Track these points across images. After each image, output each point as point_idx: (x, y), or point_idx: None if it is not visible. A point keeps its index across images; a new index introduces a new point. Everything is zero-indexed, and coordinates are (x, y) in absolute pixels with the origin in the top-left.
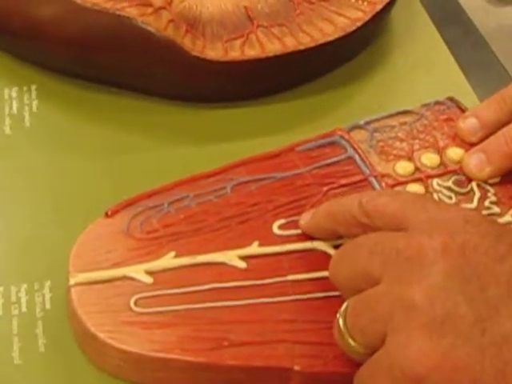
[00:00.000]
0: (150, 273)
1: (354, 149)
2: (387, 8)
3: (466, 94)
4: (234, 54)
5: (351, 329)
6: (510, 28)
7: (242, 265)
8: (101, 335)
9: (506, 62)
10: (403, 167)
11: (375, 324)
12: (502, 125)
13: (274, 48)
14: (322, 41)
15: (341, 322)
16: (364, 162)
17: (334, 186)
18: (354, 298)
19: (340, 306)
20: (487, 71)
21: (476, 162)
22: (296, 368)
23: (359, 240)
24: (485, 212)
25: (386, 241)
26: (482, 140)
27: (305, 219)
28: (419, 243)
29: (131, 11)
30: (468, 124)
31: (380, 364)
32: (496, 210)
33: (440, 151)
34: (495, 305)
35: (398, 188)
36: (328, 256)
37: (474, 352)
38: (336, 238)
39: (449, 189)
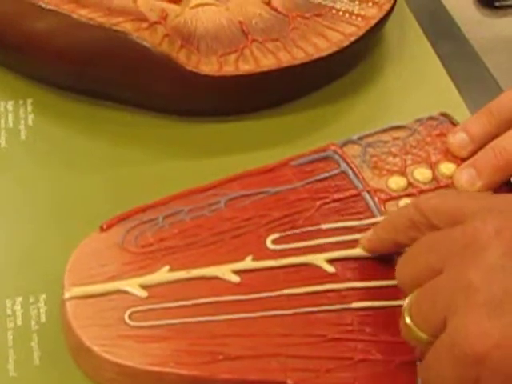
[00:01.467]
0: (144, 287)
1: (347, 164)
2: (381, 23)
3: (459, 109)
4: (229, 69)
5: (416, 318)
6: (504, 40)
7: (236, 279)
8: (95, 349)
9: (500, 74)
10: (396, 182)
11: (437, 309)
12: (492, 138)
13: (268, 63)
14: (315, 56)
15: (406, 314)
16: (357, 176)
17: (327, 200)
18: (417, 290)
19: (333, 319)
20: (480, 86)
21: (467, 177)
22: (289, 382)
23: (419, 241)
24: None
25: (444, 235)
26: (472, 154)
27: (365, 237)
28: (474, 228)
29: (126, 26)
30: (458, 138)
31: (442, 347)
32: None
33: (432, 166)
34: None
35: (390, 203)
36: (321, 270)
37: None
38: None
39: None
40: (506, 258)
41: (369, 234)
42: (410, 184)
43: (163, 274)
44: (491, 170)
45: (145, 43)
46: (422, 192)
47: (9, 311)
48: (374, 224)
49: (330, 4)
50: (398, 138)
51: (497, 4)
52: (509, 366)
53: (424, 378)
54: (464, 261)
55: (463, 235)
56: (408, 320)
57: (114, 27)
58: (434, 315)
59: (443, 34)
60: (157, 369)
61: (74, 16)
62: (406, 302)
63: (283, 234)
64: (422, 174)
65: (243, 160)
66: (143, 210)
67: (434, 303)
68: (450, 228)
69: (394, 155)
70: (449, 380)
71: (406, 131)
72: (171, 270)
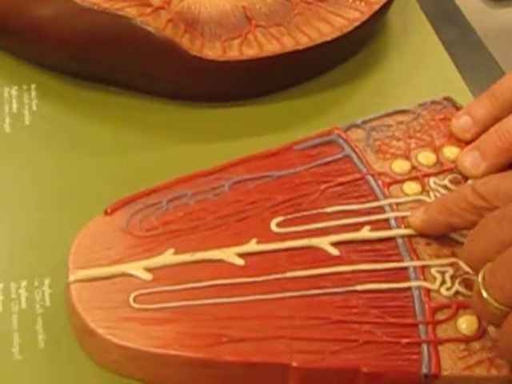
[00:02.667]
0: (149, 269)
1: (352, 148)
2: (384, 8)
3: (462, 94)
4: (233, 54)
5: (491, 290)
6: (507, 29)
7: (240, 262)
8: (100, 331)
9: (503, 62)
10: (400, 166)
11: None
12: (495, 120)
13: (272, 48)
14: (319, 41)
15: (481, 288)
16: (361, 160)
17: (332, 184)
18: (490, 263)
19: (338, 302)
20: (483, 71)
21: (471, 159)
22: (294, 364)
23: (486, 218)
24: None
25: (509, 207)
26: (476, 137)
27: (415, 216)
28: None
29: (130, 11)
30: (461, 122)
31: None
32: None
33: (436, 150)
34: None
35: (394, 186)
36: (325, 253)
37: None
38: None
39: (445, 187)
40: None
41: (419, 214)
42: (413, 167)
43: (168, 257)
44: (495, 152)
45: (148, 28)
46: (425, 175)
47: (13, 295)
48: (377, 207)
49: None
50: (401, 122)
51: None
52: None
53: (503, 348)
54: None
55: None
56: (485, 294)
57: (118, 12)
58: (511, 284)
59: (447, 19)
60: (161, 351)
61: (78, 1)
62: (479, 277)
63: (287, 217)
64: (425, 157)
65: (248, 144)
66: (147, 193)
67: (510, 273)
68: None
69: (398, 139)
70: None
71: (409, 115)
72: (176, 252)
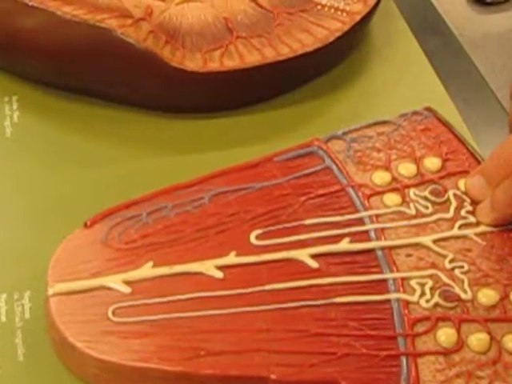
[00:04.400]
0: (127, 282)
1: (332, 159)
2: (366, 19)
3: (445, 104)
4: (214, 65)
5: None
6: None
7: (219, 275)
8: (79, 345)
9: (490, 69)
10: (380, 177)
11: None
12: None
13: (253, 59)
14: (300, 52)
15: None
16: (341, 172)
17: (312, 196)
18: None
19: (317, 314)
20: (466, 81)
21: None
22: (272, 377)
23: None
24: (461, 222)
25: None
26: None
27: (485, 215)
28: None
29: (111, 23)
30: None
31: None
32: (472, 219)
33: (417, 161)
34: None
35: (374, 198)
36: (305, 265)
37: None
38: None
39: (425, 198)
40: None
41: (488, 211)
42: (394, 179)
43: (147, 270)
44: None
45: (129, 39)
46: (406, 187)
47: None
48: (357, 219)
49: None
50: (382, 133)
51: (488, 0)
52: None
53: None
54: None
55: None
56: None
57: (99, 24)
58: None
59: (429, 29)
60: (140, 364)
61: (59, 13)
62: None
63: (267, 229)
64: (406, 168)
65: (228, 156)
66: (127, 206)
67: None
68: None
69: (379, 150)
70: None
71: (390, 126)
72: (155, 265)
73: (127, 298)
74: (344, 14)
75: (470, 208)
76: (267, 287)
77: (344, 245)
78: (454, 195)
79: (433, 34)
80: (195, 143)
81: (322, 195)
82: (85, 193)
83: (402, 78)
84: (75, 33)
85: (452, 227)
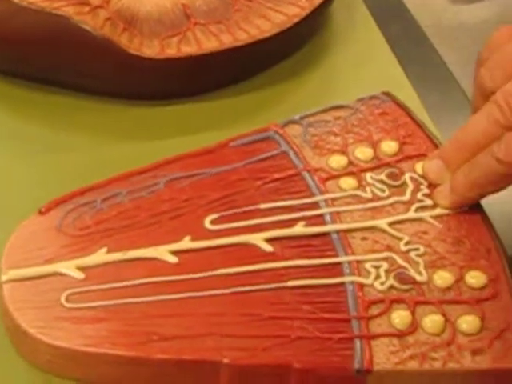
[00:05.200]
0: (81, 268)
1: (288, 143)
2: (326, 4)
3: (405, 89)
4: (171, 52)
5: None
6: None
7: (173, 259)
8: (31, 331)
9: (463, 59)
10: (336, 161)
11: None
12: None
13: (210, 45)
14: (258, 37)
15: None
16: (298, 156)
17: (267, 180)
18: None
19: (270, 298)
20: (426, 66)
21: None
22: (225, 361)
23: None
24: (417, 205)
25: None
26: None
27: (444, 198)
28: None
29: (68, 10)
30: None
31: None
32: (429, 202)
33: (374, 145)
34: None
35: (330, 182)
36: (259, 249)
37: None
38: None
39: (381, 182)
40: None
41: (446, 194)
42: (350, 162)
43: (100, 256)
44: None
45: (86, 27)
46: (362, 170)
47: None
48: (312, 203)
49: None
50: (339, 118)
51: None
52: None
53: None
54: None
55: None
56: None
57: (55, 11)
58: None
59: (391, 15)
60: (92, 350)
61: (16, 1)
62: None
63: (222, 214)
64: (362, 152)
65: (186, 143)
66: (81, 192)
67: None
68: None
69: (336, 134)
70: None
71: (348, 111)
72: (109, 251)
73: (81, 283)
74: None
75: (426, 191)
76: (220, 271)
77: (299, 228)
78: (411, 178)
79: (394, 19)
80: (153, 130)
81: (277, 179)
82: (41, 180)
83: (362, 64)
84: (32, 20)
85: (408, 210)
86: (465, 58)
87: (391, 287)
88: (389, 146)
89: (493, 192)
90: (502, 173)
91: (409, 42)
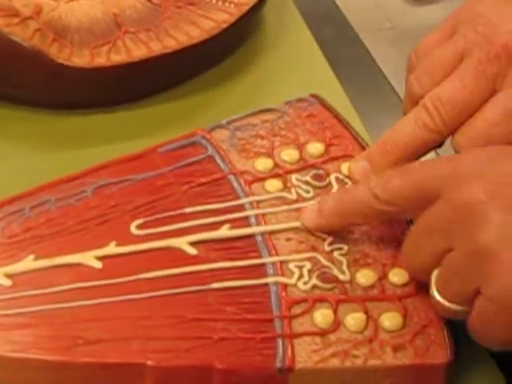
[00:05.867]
0: (9, 276)
1: (215, 148)
2: (255, 9)
3: (334, 91)
4: (100, 61)
5: (449, 296)
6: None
7: (98, 265)
8: None
9: None
10: (263, 163)
11: (467, 283)
12: None
13: (139, 53)
14: (187, 44)
15: (436, 295)
16: (224, 160)
17: (193, 184)
18: (438, 271)
19: (193, 300)
20: (358, 68)
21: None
22: (149, 363)
23: (413, 233)
24: None
25: (435, 216)
26: None
27: (308, 218)
28: (463, 201)
29: None
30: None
31: (488, 312)
32: None
33: (300, 147)
34: None
35: (256, 184)
36: (183, 253)
37: None
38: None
39: (306, 183)
40: (507, 214)
41: (313, 216)
42: (276, 165)
43: (28, 263)
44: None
45: (15, 38)
46: (288, 172)
47: None
48: (237, 206)
49: None
50: (266, 121)
51: None
52: None
53: (477, 337)
54: (470, 233)
55: (455, 211)
56: (441, 299)
57: None
58: (466, 289)
59: (323, 18)
60: (18, 355)
61: None
62: (432, 285)
63: (148, 219)
64: (289, 154)
65: (115, 150)
66: (10, 201)
67: (462, 279)
68: (432, 207)
69: (262, 137)
70: (506, 335)
71: (275, 114)
72: (36, 258)
73: (8, 290)
74: (232, 5)
75: None
76: (145, 275)
77: (223, 231)
78: (336, 179)
79: (326, 22)
80: (84, 139)
81: (203, 183)
82: None
83: (293, 67)
84: None
85: None
86: None
87: (314, 287)
88: (315, 148)
89: (359, 224)
90: (375, 208)
91: (341, 44)
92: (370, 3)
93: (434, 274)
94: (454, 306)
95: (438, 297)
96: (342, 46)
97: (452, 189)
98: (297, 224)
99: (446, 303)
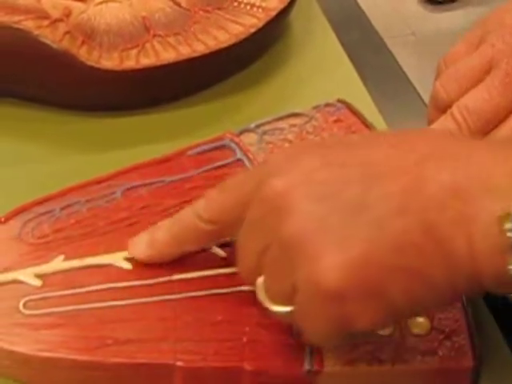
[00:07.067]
0: (39, 276)
1: (243, 151)
2: (283, 14)
3: (361, 97)
4: (129, 63)
5: (274, 299)
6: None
7: (128, 266)
8: None
9: None
10: None
11: (283, 282)
12: None
13: (168, 56)
14: (215, 48)
15: (266, 302)
16: (252, 163)
17: None
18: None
19: (223, 303)
20: (383, 73)
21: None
22: (178, 364)
23: (239, 240)
24: None
25: (247, 224)
26: None
27: (140, 252)
28: (262, 203)
29: (27, 24)
30: None
31: (304, 303)
32: None
33: None
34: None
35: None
36: (214, 255)
37: None
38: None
39: None
40: (309, 202)
41: (143, 249)
42: None
43: (58, 263)
44: None
45: (45, 40)
46: None
47: None
48: None
49: None
50: (294, 125)
51: None
52: (367, 288)
53: (307, 337)
54: (276, 225)
55: (262, 207)
56: (267, 303)
57: (16, 25)
58: (284, 286)
59: (349, 23)
60: (48, 354)
61: None
62: (258, 289)
63: None
64: None
65: (146, 152)
66: (40, 202)
67: (278, 278)
68: (248, 210)
69: (290, 142)
70: (324, 327)
71: (303, 118)
72: (66, 258)
73: (38, 290)
74: (260, 10)
75: None
76: (174, 277)
77: None
78: None
79: (352, 27)
80: (112, 140)
81: None
82: (1, 190)
83: (319, 71)
84: None
85: None
86: None
87: None
88: None
89: (193, 249)
90: (202, 229)
91: (367, 49)
92: (390, 9)
93: (260, 277)
94: (279, 308)
95: (263, 301)
96: (367, 51)
97: (258, 188)
98: None
99: (272, 306)
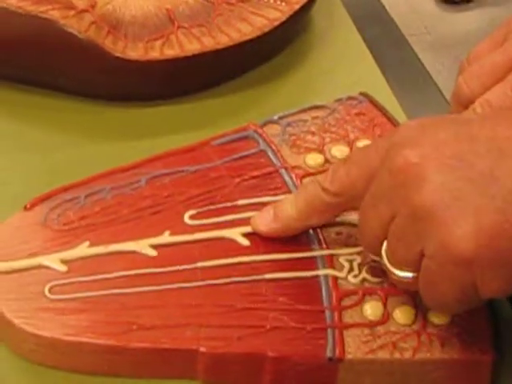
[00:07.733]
0: (64, 261)
1: (267, 142)
2: (306, 8)
3: (382, 90)
4: (154, 54)
5: (397, 264)
6: (464, 34)
7: (153, 253)
8: (16, 321)
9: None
10: (313, 159)
11: (410, 247)
12: None
13: (192, 48)
14: (238, 40)
15: (389, 267)
16: (276, 154)
17: (246, 177)
18: (385, 242)
19: (245, 290)
20: (404, 68)
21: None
22: (201, 349)
23: (361, 211)
24: None
25: (376, 188)
26: None
27: (263, 224)
28: (398, 168)
29: (54, 14)
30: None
31: (431, 270)
32: None
33: (350, 143)
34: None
35: (307, 179)
36: (236, 243)
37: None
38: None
39: None
40: (441, 174)
41: (269, 222)
42: (327, 160)
43: (83, 249)
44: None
45: (71, 30)
46: None
47: None
48: None
49: None
50: (317, 117)
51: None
52: (498, 257)
53: (427, 302)
54: (408, 195)
55: (392, 177)
56: (392, 268)
57: (42, 15)
58: (411, 253)
59: (371, 19)
60: (73, 339)
61: (3, 5)
62: (383, 256)
63: (201, 209)
64: (339, 150)
65: (169, 142)
66: (66, 189)
67: (405, 243)
68: (374, 179)
69: (313, 133)
70: (451, 293)
71: (325, 110)
72: (91, 245)
73: (63, 276)
74: (283, 3)
75: None
76: (198, 264)
77: None
78: None
79: (374, 22)
80: (137, 130)
81: (256, 177)
82: (27, 177)
83: (341, 65)
84: (19, 24)
85: None
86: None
87: (364, 280)
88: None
89: (317, 224)
90: (327, 202)
91: (388, 44)
92: (406, 9)
93: (384, 244)
94: (403, 274)
95: (388, 266)
96: (388, 46)
97: (388, 158)
98: (346, 218)
99: (397, 271)
